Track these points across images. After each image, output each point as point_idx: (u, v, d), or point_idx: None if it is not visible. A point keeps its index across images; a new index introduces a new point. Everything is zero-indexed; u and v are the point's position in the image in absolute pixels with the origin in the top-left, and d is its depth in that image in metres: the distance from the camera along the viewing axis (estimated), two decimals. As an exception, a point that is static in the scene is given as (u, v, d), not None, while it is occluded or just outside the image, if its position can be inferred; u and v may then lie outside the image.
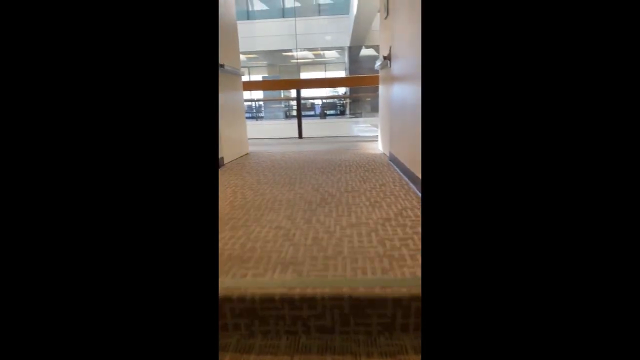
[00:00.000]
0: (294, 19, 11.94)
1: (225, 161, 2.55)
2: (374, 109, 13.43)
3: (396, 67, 2.09)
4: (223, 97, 2.51)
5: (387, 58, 2.32)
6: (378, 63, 2.69)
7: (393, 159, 2.23)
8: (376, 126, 3.91)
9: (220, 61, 2.40)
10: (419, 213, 1.27)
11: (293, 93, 15.27)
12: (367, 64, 13.32)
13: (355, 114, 14.48)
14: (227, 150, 2.58)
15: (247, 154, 3.09)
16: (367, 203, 1.41)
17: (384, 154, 2.74)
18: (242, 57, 13.66)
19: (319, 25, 12.41)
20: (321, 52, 14.29)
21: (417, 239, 1.03)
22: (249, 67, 14.77)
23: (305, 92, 15.37)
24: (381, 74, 2.83)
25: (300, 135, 4.42)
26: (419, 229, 1.10)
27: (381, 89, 2.87)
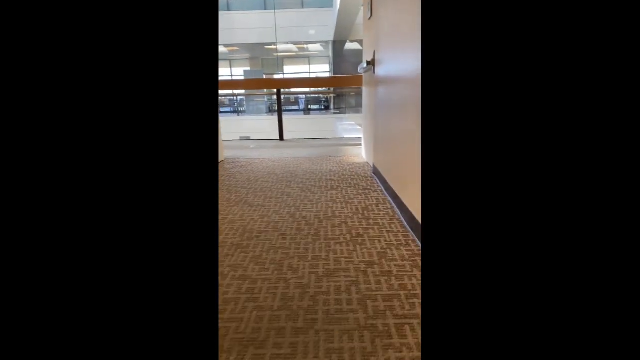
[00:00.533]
0: (277, 10, 11.56)
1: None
2: (358, 104, 13.30)
3: (381, 73, 1.93)
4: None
5: (371, 63, 2.15)
6: (362, 66, 2.52)
7: (377, 173, 2.08)
8: (360, 125, 3.76)
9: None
10: (405, 253, 1.12)
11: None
12: (351, 58, 13.12)
13: (339, 109, 14.30)
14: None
15: (222, 161, 2.89)
16: (348, 237, 1.25)
17: (367, 163, 2.59)
18: (224, 49, 13.23)
19: (302, 18, 12.07)
20: (305, 46, 13.97)
21: (404, 297, 0.88)
22: (230, 60, 14.31)
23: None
24: (365, 77, 2.67)
25: (281, 137, 4.23)
26: (406, 280, 0.95)
27: (365, 93, 2.71)
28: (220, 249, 1.18)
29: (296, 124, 10.75)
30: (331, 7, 11.42)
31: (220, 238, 1.28)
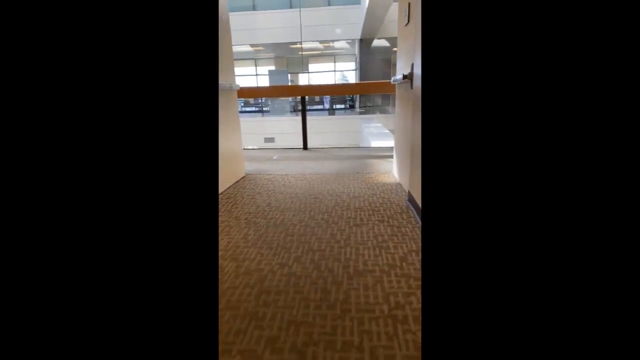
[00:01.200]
0: (303, 8, 11.34)
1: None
2: (384, 103, 12.87)
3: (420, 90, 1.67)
4: (220, 122, 2.13)
5: (409, 77, 1.89)
6: (395, 78, 2.26)
7: (412, 202, 1.83)
8: (389, 130, 3.49)
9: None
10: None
11: (301, 80, 14.82)
12: (379, 55, 12.70)
13: (365, 107, 13.92)
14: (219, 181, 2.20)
15: (243, 177, 2.72)
16: (386, 308, 1.02)
17: (400, 184, 2.33)
18: (249, 49, 13.21)
19: (328, 16, 11.78)
20: (331, 44, 13.68)
21: None
22: (255, 59, 14.28)
23: (315, 80, 14.90)
24: (399, 90, 2.40)
25: (305, 146, 4.03)
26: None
27: (399, 107, 2.44)
28: (232, 319, 0.99)
29: (320, 126, 10.54)
30: (358, 4, 11.05)
31: (234, 298, 1.09)
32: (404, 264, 1.27)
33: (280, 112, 13.57)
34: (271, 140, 11.10)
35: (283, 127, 10.95)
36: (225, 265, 1.32)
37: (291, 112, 13.29)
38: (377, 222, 1.69)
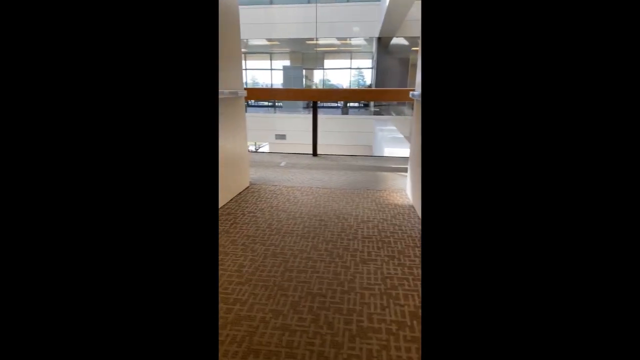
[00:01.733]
0: (319, 4, 11.08)
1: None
2: (399, 103, 12.56)
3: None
4: (225, 134, 1.98)
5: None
6: (414, 94, 2.07)
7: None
8: (403, 135, 3.30)
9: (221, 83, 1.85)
10: None
11: (316, 77, 14.61)
12: (397, 54, 12.36)
13: (380, 106, 13.62)
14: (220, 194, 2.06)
15: (247, 187, 2.59)
16: (391, 388, 0.87)
17: (413, 208, 2.16)
18: (265, 42, 13.04)
19: (346, 13, 11.49)
20: (348, 40, 13.39)
21: None
22: (270, 54, 14.11)
23: (330, 76, 14.64)
24: (417, 106, 2.21)
25: (314, 152, 3.87)
26: None
27: (415, 125, 2.26)
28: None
29: (333, 125, 10.33)
30: (378, 1, 10.74)
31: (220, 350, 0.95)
32: (414, 322, 1.11)
33: (293, 107, 13.39)
34: (282, 137, 10.97)
35: (295, 124, 10.80)
36: (214, 308, 1.18)
37: (304, 108, 13.11)
38: (386, 258, 1.53)
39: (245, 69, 13.83)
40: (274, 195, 2.40)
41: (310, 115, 3.85)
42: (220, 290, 1.28)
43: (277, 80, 14.15)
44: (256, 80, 14.51)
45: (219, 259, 1.51)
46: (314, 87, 13.82)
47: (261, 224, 1.90)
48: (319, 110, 3.81)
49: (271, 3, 11.69)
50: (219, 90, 1.95)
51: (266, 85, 14.11)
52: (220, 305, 1.19)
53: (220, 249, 1.61)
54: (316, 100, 3.72)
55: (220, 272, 1.41)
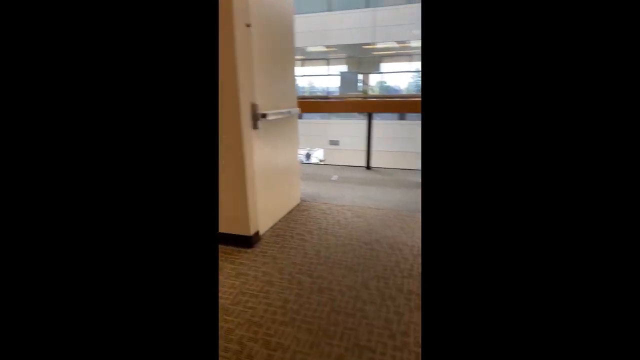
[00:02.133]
0: (379, 8, 10.83)
1: (262, 231, 2.02)
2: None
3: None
4: (278, 153, 1.95)
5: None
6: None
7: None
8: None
9: (275, 102, 1.82)
10: None
11: (372, 80, 14.34)
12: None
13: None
14: (263, 217, 2.03)
15: (298, 204, 2.54)
16: None
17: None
18: (323, 48, 13.16)
19: (405, 15, 11.09)
20: (407, 43, 12.92)
21: None
22: (328, 59, 14.20)
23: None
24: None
25: (368, 165, 3.73)
26: None
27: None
28: None
29: (389, 131, 10.02)
30: (441, 0, 10.16)
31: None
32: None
33: (348, 114, 13.27)
34: (336, 143, 10.94)
35: (348, 130, 10.69)
36: (255, 352, 1.11)
37: (359, 113, 12.91)
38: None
39: (303, 75, 14.07)
40: (324, 215, 2.31)
41: (363, 122, 3.72)
42: (263, 330, 1.22)
43: (334, 84, 14.19)
44: (313, 86, 14.70)
45: (265, 290, 1.46)
46: (370, 91, 13.56)
47: (309, 251, 1.82)
48: (374, 115, 3.64)
49: (329, 9, 11.74)
50: (276, 111, 1.92)
51: (322, 90, 14.22)
52: (262, 349, 1.13)
53: (267, 277, 1.56)
54: (370, 112, 3.57)
55: (264, 306, 1.35)
